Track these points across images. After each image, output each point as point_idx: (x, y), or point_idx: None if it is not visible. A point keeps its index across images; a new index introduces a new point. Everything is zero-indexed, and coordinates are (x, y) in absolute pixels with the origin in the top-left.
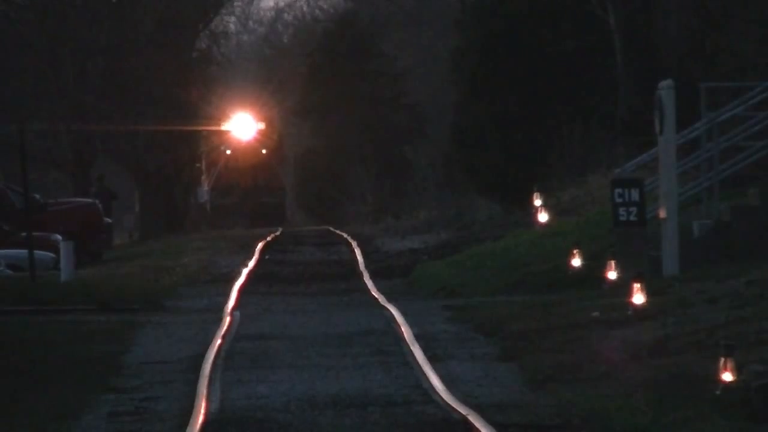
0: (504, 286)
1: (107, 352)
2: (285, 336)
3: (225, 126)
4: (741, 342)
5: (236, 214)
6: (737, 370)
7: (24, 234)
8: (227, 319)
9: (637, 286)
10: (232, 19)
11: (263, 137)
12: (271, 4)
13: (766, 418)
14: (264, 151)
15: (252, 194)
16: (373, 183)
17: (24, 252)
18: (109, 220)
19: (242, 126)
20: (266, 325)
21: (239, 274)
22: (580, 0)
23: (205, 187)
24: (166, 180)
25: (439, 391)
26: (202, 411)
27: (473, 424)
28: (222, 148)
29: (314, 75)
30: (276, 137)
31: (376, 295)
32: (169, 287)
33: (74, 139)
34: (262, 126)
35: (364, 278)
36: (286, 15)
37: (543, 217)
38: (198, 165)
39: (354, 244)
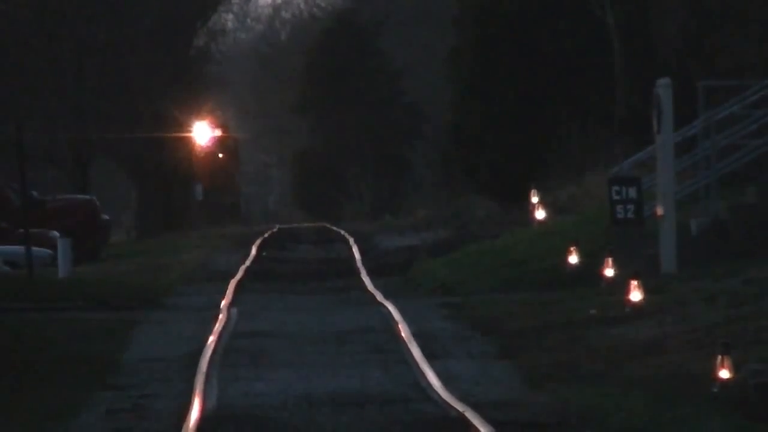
0: (501, 284)
1: (105, 349)
2: (282, 333)
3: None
4: (738, 340)
5: (198, 212)
6: (734, 369)
7: (22, 231)
8: (225, 317)
9: (634, 284)
10: (230, 16)
11: (220, 142)
12: (269, 1)
13: (763, 416)
14: (221, 155)
15: (210, 194)
16: (371, 181)
17: (22, 249)
18: (107, 217)
19: (201, 132)
20: (264, 323)
21: (237, 271)
22: None
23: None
24: (164, 178)
25: (436, 389)
26: (200, 408)
27: (471, 422)
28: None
29: (312, 73)
30: (232, 143)
31: (374, 293)
32: (167, 285)
33: (72, 137)
34: (218, 132)
35: (362, 276)
36: (284, 12)
37: (540, 215)
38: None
39: (351, 241)
